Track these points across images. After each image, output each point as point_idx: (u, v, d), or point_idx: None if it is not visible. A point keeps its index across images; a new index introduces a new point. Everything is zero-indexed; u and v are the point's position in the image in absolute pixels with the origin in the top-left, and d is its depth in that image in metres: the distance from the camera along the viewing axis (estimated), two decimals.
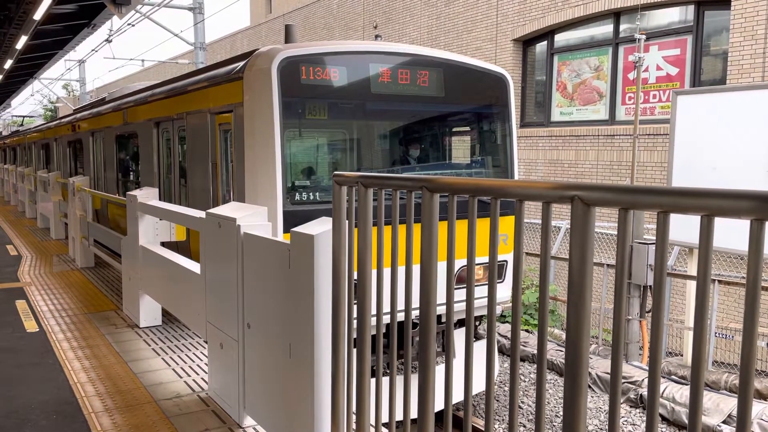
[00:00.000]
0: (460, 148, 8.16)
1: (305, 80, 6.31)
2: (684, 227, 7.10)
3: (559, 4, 15.66)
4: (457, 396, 4.58)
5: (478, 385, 6.32)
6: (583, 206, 1.92)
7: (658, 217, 1.78)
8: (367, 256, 2.99)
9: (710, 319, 8.85)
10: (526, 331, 11.41)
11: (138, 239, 6.35)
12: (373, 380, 3.01)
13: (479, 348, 6.01)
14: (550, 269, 2.11)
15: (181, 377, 5.07)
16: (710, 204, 1.63)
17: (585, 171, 14.96)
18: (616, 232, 8.69)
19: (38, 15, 12.47)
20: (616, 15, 14.72)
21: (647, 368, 2.88)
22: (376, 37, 9.11)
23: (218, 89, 7.02)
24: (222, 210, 4.30)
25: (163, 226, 6.44)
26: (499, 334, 10.76)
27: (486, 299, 2.41)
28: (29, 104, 62.24)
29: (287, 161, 6.31)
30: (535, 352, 9.94)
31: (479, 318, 7.74)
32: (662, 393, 8.18)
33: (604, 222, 12.33)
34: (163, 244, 6.44)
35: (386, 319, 3.02)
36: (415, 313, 2.72)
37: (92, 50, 26.63)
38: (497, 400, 9.10)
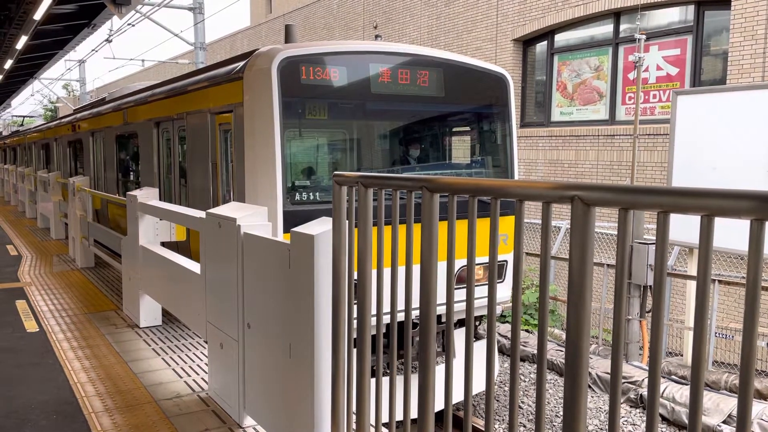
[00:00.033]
0: (460, 148, 8.16)
1: (305, 80, 6.32)
2: (684, 227, 7.10)
3: (559, 4, 15.65)
4: (457, 396, 4.58)
5: (478, 385, 6.32)
6: (583, 206, 1.92)
7: (658, 217, 1.78)
8: (367, 256, 3.00)
9: (710, 319, 8.85)
10: (526, 331, 11.41)
11: (138, 239, 6.36)
12: (373, 380, 3.01)
13: (479, 348, 6.00)
14: (550, 269, 2.11)
15: (181, 377, 5.08)
16: (710, 204, 1.64)
17: (585, 171, 14.96)
18: (616, 232, 8.70)
19: (38, 15, 12.47)
20: (616, 15, 14.72)
21: (647, 368, 2.88)
22: (376, 37, 9.12)
23: (218, 89, 7.02)
24: (222, 210, 4.30)
25: (163, 226, 6.44)
26: (499, 334, 10.76)
27: (486, 299, 2.41)
28: (29, 104, 62.31)
29: (287, 161, 6.31)
30: (535, 352, 9.93)
31: (479, 318, 7.74)
32: (662, 393, 8.18)
33: (604, 222, 12.32)
34: (163, 244, 6.44)
35: (386, 319, 3.02)
36: (415, 313, 2.72)
37: (92, 50, 26.63)
38: (497, 400, 9.10)
